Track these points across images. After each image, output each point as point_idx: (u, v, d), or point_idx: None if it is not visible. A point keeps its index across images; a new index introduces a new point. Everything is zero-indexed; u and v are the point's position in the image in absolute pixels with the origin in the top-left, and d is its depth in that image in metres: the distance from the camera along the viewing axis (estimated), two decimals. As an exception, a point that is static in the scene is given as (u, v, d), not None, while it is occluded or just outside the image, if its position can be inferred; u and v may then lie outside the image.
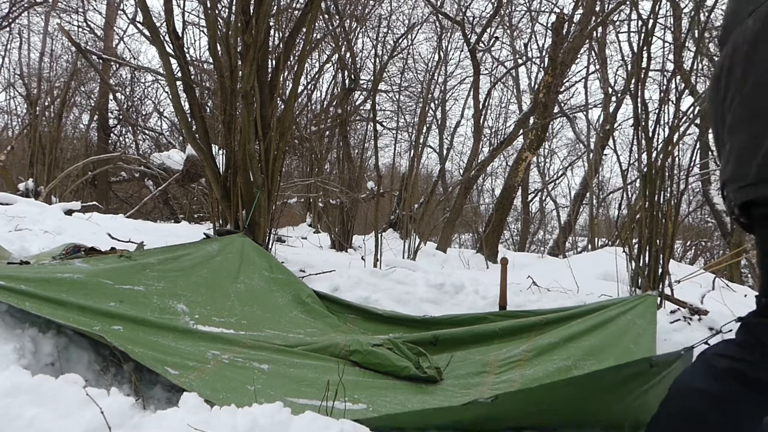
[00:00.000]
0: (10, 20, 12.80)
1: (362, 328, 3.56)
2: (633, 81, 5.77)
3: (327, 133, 13.21)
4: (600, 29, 12.14)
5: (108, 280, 2.80)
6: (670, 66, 5.95)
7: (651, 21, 5.32)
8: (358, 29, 12.63)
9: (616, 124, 15.06)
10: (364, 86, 13.50)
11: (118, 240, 4.89)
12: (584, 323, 3.04)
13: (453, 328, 3.43)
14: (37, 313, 2.32)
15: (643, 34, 5.34)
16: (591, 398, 2.24)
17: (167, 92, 12.96)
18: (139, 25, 12.52)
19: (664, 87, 5.13)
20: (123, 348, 2.23)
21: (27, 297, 2.38)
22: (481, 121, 13.67)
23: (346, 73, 12.17)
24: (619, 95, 14.39)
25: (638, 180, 7.32)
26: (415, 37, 14.89)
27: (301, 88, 11.87)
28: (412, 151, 9.90)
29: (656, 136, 4.87)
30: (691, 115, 6.36)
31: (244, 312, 3.29)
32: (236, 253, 3.82)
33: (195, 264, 3.44)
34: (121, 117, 14.66)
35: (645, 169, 4.82)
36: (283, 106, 6.24)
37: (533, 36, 15.75)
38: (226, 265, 3.64)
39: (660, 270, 4.69)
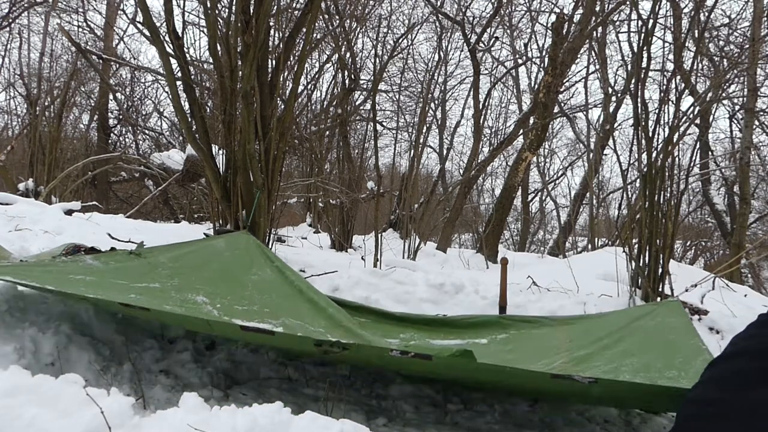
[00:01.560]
0: (10, 20, 12.79)
1: (372, 329, 3.54)
2: (633, 81, 5.77)
3: (327, 133, 13.20)
4: (600, 29, 12.14)
5: (121, 280, 2.79)
6: (670, 66, 5.95)
7: (651, 21, 5.32)
8: (358, 29, 12.63)
9: (616, 124, 15.06)
10: (364, 86, 13.49)
11: (118, 240, 4.89)
12: (614, 335, 2.99)
13: (465, 329, 3.42)
14: (64, 290, 2.36)
15: (643, 34, 5.34)
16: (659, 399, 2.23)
17: (167, 92, 12.97)
18: (139, 25, 12.52)
19: (664, 87, 5.13)
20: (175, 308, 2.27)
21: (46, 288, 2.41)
22: (481, 121, 13.67)
23: (346, 73, 12.16)
24: (619, 95, 14.39)
25: (638, 180, 7.32)
26: (415, 37, 14.90)
27: (301, 88, 11.87)
28: (412, 151, 9.90)
29: (656, 136, 4.87)
30: (691, 115, 6.36)
31: (264, 300, 3.26)
32: (243, 248, 3.82)
33: (206, 260, 3.43)
34: (121, 117, 14.64)
35: (645, 169, 4.83)
36: (283, 106, 6.23)
37: (533, 36, 15.77)
38: (236, 260, 3.63)
39: (660, 270, 4.69)
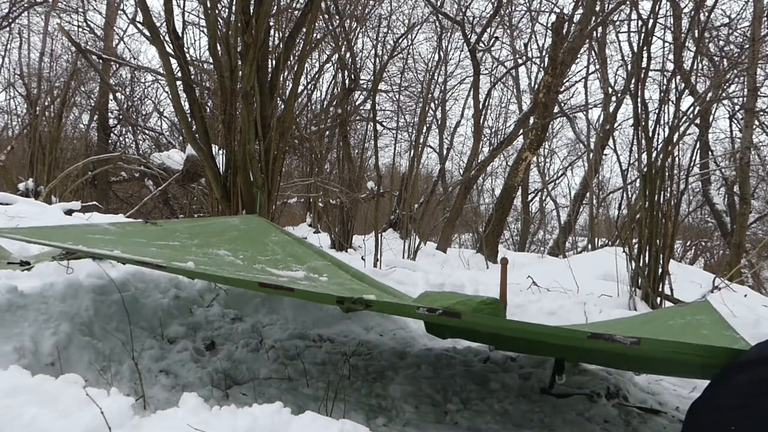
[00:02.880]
0: (10, 20, 12.78)
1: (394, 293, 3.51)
2: (633, 81, 5.78)
3: (327, 133, 13.20)
4: (600, 29, 12.14)
5: (140, 239, 2.78)
6: (670, 66, 5.95)
7: (651, 21, 5.33)
8: (358, 29, 12.63)
9: (616, 124, 15.05)
10: (364, 86, 13.50)
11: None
12: (641, 329, 2.88)
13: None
14: (86, 251, 2.37)
15: (643, 34, 5.35)
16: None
17: (167, 92, 12.96)
18: (139, 25, 12.51)
19: (664, 87, 5.14)
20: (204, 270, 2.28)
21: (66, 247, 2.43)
22: (481, 121, 13.67)
23: (346, 73, 12.17)
24: (619, 95, 14.38)
25: (638, 180, 7.33)
26: (415, 37, 14.90)
27: (301, 88, 11.87)
28: (412, 151, 9.90)
29: (656, 136, 4.88)
30: (691, 115, 6.36)
31: (287, 251, 3.28)
32: (258, 224, 3.86)
33: (222, 229, 3.46)
34: (121, 117, 14.64)
35: (645, 169, 4.83)
36: (283, 106, 6.24)
37: (533, 36, 15.77)
38: (253, 230, 3.67)
39: (660, 270, 4.69)
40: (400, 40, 13.91)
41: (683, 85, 6.76)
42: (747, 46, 10.41)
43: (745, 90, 11.09)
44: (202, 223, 3.58)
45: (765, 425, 1.72)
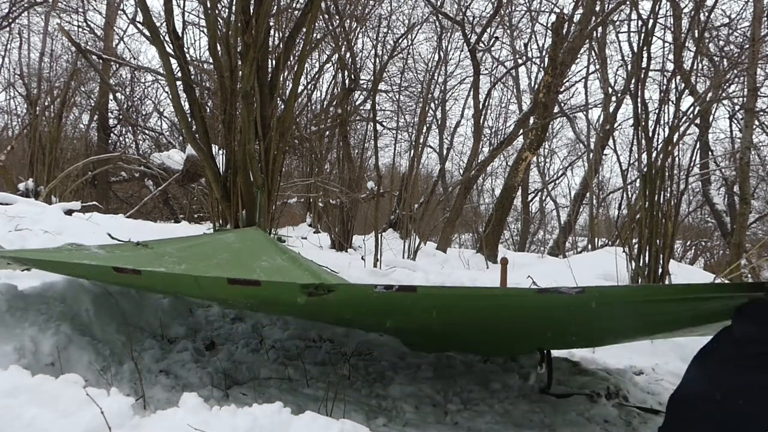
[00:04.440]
0: (10, 20, 12.77)
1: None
2: (633, 81, 5.78)
3: (327, 133, 13.20)
4: (600, 29, 12.13)
5: (127, 264, 2.78)
6: (670, 66, 5.96)
7: (651, 21, 5.33)
8: (358, 29, 12.63)
9: (616, 124, 15.04)
10: (364, 86, 13.49)
11: (118, 240, 4.88)
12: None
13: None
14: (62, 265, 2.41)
15: (643, 34, 5.35)
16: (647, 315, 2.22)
17: (167, 92, 12.96)
18: (139, 25, 12.50)
19: (664, 87, 5.14)
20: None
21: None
22: (481, 121, 13.66)
23: (346, 73, 12.16)
24: (619, 95, 14.38)
25: (638, 180, 7.33)
26: (415, 37, 14.89)
27: (301, 88, 11.87)
28: (412, 151, 9.90)
29: (656, 136, 4.88)
30: (691, 115, 6.36)
31: (272, 279, 3.25)
32: (253, 240, 3.80)
33: (214, 250, 3.40)
34: (121, 117, 14.64)
35: (645, 169, 4.83)
36: (283, 106, 6.24)
37: (533, 36, 15.76)
38: (246, 249, 3.61)
39: (660, 270, 4.70)
40: (400, 40, 13.91)
41: (683, 85, 6.76)
42: (747, 46, 10.40)
43: (745, 90, 11.08)
44: (195, 242, 3.50)
45: (747, 398, 1.77)
